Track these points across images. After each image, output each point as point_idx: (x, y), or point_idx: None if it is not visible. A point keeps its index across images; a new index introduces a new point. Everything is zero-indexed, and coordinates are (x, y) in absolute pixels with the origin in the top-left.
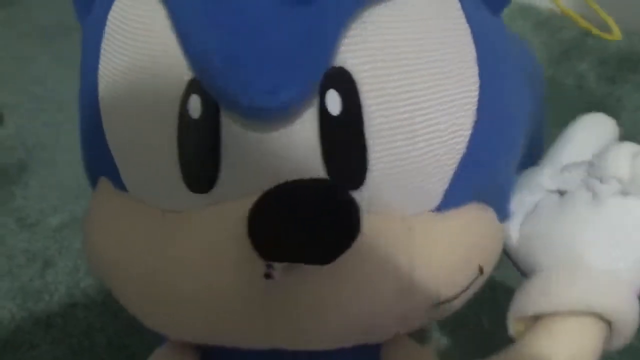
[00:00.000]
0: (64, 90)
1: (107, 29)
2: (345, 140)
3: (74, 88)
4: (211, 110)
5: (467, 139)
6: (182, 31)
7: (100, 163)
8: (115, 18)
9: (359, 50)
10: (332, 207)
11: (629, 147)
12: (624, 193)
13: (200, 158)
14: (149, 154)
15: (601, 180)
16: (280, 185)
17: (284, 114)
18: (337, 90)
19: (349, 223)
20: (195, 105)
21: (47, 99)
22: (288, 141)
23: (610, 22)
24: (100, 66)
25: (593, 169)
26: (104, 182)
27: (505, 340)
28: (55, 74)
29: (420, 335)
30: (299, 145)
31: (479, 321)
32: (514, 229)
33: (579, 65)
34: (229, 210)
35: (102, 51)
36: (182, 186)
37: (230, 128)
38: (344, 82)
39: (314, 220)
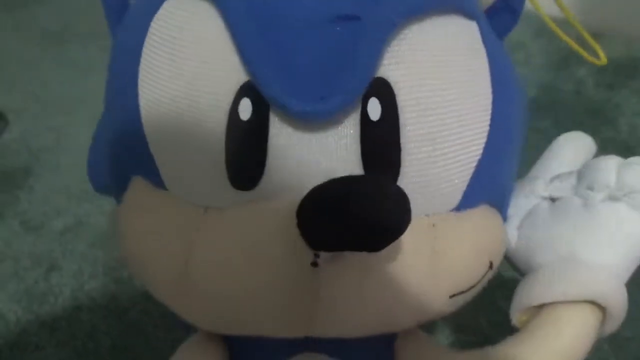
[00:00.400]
0: (69, 94)
1: (150, 36)
2: (382, 144)
3: (79, 92)
4: (261, 113)
5: (482, 147)
6: (241, 41)
7: (136, 164)
8: (161, 26)
9: (397, 63)
10: (384, 196)
11: (614, 159)
12: (612, 199)
13: (247, 157)
14: (195, 154)
15: (591, 188)
16: (330, 180)
17: (331, 118)
18: (378, 98)
19: (401, 212)
20: (245, 108)
21: (52, 103)
22: (332, 143)
23: (597, 47)
24: (141, 71)
25: (583, 178)
26: (139, 181)
27: None
28: (61, 78)
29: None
30: (341, 147)
31: (478, 325)
32: (511, 232)
33: (578, 72)
34: (274, 206)
35: (143, 56)
36: (226, 184)
37: (278, 130)
38: (384, 92)
39: (366, 209)
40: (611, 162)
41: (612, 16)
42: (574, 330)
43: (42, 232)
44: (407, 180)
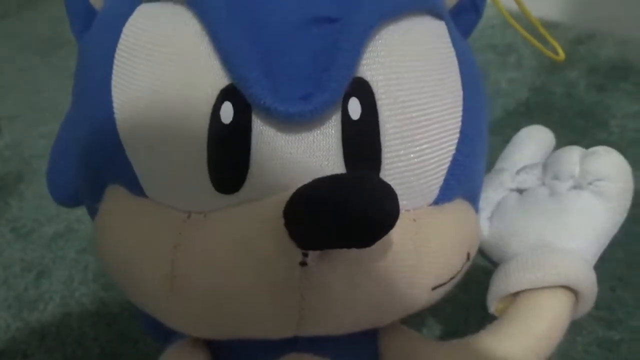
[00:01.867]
0: (61, 101)
1: (123, 41)
2: (363, 142)
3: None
4: (242, 116)
5: (455, 143)
6: (223, 44)
7: (112, 172)
8: (134, 31)
9: (375, 63)
10: (372, 191)
11: (577, 150)
12: (577, 187)
13: (230, 161)
14: (176, 159)
15: (557, 178)
16: (316, 179)
17: (313, 118)
18: (358, 98)
19: (391, 205)
20: (227, 112)
21: (44, 110)
22: (314, 143)
23: (556, 44)
24: (114, 77)
25: (548, 169)
26: (116, 190)
27: None
28: (53, 85)
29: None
30: (323, 146)
31: (467, 326)
32: (483, 224)
33: (569, 74)
34: (259, 208)
35: (116, 62)
36: (209, 188)
37: (261, 132)
38: (363, 91)
39: (356, 204)
40: (575, 153)
41: (605, 18)
42: (550, 314)
43: (33, 239)
44: (388, 177)
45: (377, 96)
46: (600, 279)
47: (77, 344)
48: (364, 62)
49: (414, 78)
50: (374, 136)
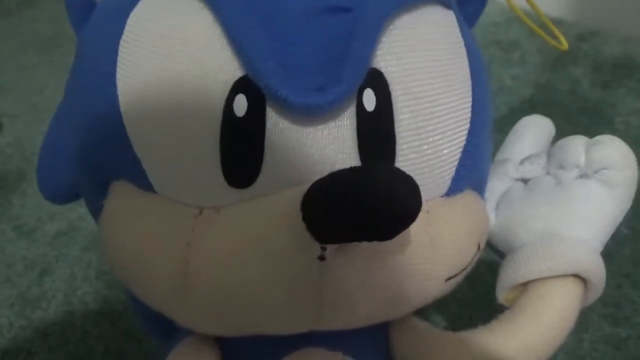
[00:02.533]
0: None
1: (128, 34)
2: (378, 134)
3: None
4: (256, 108)
5: (466, 133)
6: (235, 36)
7: (118, 167)
8: (140, 22)
9: (389, 54)
10: (394, 184)
11: (582, 139)
12: (583, 176)
13: (244, 155)
14: (187, 154)
15: (562, 167)
16: (334, 172)
17: (330, 110)
18: (373, 89)
19: (413, 198)
20: (240, 104)
21: (45, 108)
22: (329, 135)
23: (557, 32)
24: (119, 70)
25: (553, 158)
26: (122, 185)
27: None
28: (54, 83)
29: None
30: (338, 139)
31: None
32: (490, 214)
33: (574, 71)
34: (275, 201)
35: (121, 55)
36: (222, 183)
37: (275, 125)
38: (378, 82)
39: (377, 198)
40: (580, 142)
41: (609, 15)
42: (561, 303)
43: (35, 237)
44: (402, 168)
45: (391, 87)
46: (607, 277)
47: (80, 342)
48: (378, 52)
49: (426, 68)
50: (388, 128)
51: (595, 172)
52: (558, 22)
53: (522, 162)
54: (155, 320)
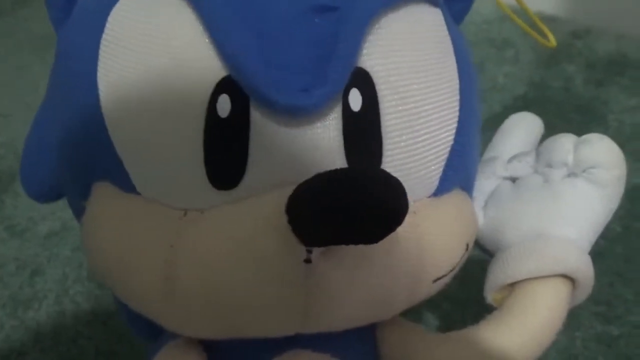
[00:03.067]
0: None
1: (108, 32)
2: (364, 134)
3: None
4: (240, 109)
5: (454, 132)
6: (218, 35)
7: (100, 169)
8: (121, 21)
9: (375, 53)
10: (381, 186)
11: (570, 137)
12: (571, 175)
13: (228, 156)
14: (170, 155)
15: (550, 166)
16: (319, 174)
17: (315, 111)
18: (358, 88)
19: (399, 200)
20: (224, 105)
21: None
22: (315, 136)
23: (546, 30)
24: (100, 70)
25: (541, 157)
26: (104, 187)
27: None
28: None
29: None
30: (324, 139)
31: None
32: (477, 213)
33: (567, 69)
34: (260, 204)
35: (102, 54)
36: (206, 184)
37: (260, 126)
38: (364, 82)
39: (364, 200)
40: (568, 140)
41: (601, 12)
42: (549, 303)
43: (27, 237)
44: (389, 169)
45: (377, 87)
46: (599, 275)
47: (72, 342)
48: (364, 51)
49: (413, 68)
50: (375, 128)
51: (584, 171)
52: (551, 20)
53: (510, 160)
54: (142, 321)
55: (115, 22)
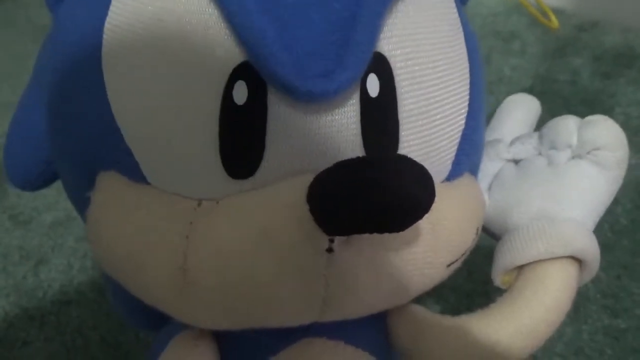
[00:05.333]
0: None
1: (113, 15)
2: (381, 120)
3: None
4: (258, 96)
5: (465, 116)
6: (237, 20)
7: (107, 158)
8: (126, 4)
9: (392, 37)
10: (408, 174)
11: (573, 119)
12: (575, 157)
13: (244, 144)
14: (184, 145)
15: (555, 148)
16: (341, 162)
17: (334, 97)
18: (376, 74)
19: (427, 188)
20: (241, 92)
21: None
22: (333, 122)
23: (548, 11)
24: (105, 57)
25: (545, 139)
26: (111, 177)
27: None
28: None
29: None
30: (342, 125)
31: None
32: (483, 196)
33: (574, 61)
34: (279, 192)
35: (106, 40)
36: (222, 174)
37: (277, 112)
38: (382, 67)
39: (392, 189)
40: (571, 122)
41: (609, 5)
42: (560, 285)
43: (31, 227)
44: (406, 154)
45: (394, 71)
46: (606, 268)
47: (76, 332)
48: (381, 35)
49: (429, 51)
50: (392, 113)
51: (588, 152)
52: (558, 12)
53: (512, 142)
54: (140, 312)
55: (120, 5)
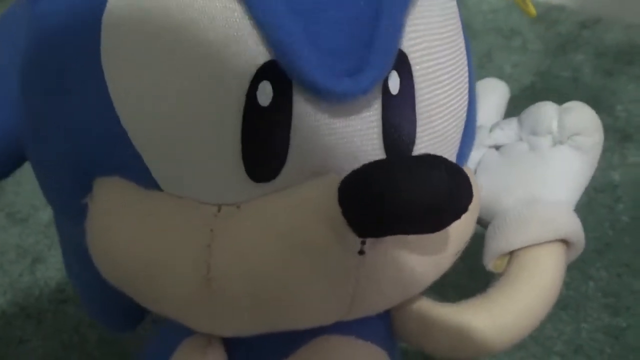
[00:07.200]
0: None
1: (114, 5)
2: (401, 118)
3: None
4: (283, 96)
5: (466, 111)
6: (262, 19)
7: (107, 163)
8: (132, 5)
9: (410, 33)
10: (445, 178)
11: (552, 105)
12: (556, 142)
13: (268, 146)
14: (202, 149)
15: (535, 133)
16: (372, 163)
17: (361, 96)
18: (397, 71)
19: (465, 190)
20: (265, 92)
21: None
22: (357, 121)
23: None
24: (105, 54)
25: (524, 125)
26: (113, 182)
27: None
28: None
29: None
30: (365, 123)
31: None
32: None
33: (575, 58)
34: (304, 194)
35: (106, 31)
36: (243, 177)
37: (301, 113)
38: (402, 64)
39: (428, 193)
40: (551, 108)
41: (612, 2)
42: (551, 264)
43: (28, 224)
44: (419, 149)
45: (412, 68)
46: (607, 266)
47: (74, 330)
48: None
49: (440, 46)
50: (410, 111)
51: (568, 138)
52: (560, 9)
53: (492, 128)
54: (113, 313)
55: (126, 6)
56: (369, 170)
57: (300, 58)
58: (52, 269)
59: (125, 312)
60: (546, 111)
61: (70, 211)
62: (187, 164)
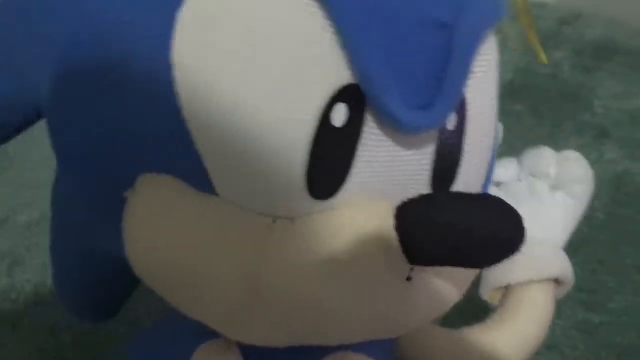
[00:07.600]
0: None
1: (193, 6)
2: (450, 155)
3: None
4: (356, 119)
5: (491, 143)
6: (352, 37)
7: (164, 161)
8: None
9: (472, 73)
10: (503, 217)
11: (550, 151)
12: (554, 188)
13: (333, 166)
14: (268, 161)
15: (534, 175)
16: (431, 195)
17: (430, 129)
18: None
19: (520, 231)
20: (340, 114)
21: None
22: (415, 152)
23: (539, 48)
24: (177, 53)
25: (525, 166)
26: (162, 180)
27: None
28: None
29: None
30: (421, 155)
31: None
32: None
33: (554, 55)
34: (358, 216)
35: (179, 34)
36: (303, 192)
37: (370, 137)
38: (460, 102)
39: (487, 230)
40: (549, 154)
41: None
42: (544, 303)
43: (7, 227)
44: (459, 185)
45: (466, 105)
46: (582, 262)
47: (49, 334)
48: None
49: (489, 89)
50: (459, 149)
51: (566, 186)
52: (541, 6)
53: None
54: (89, 306)
55: (201, 9)
56: (429, 201)
57: (382, 86)
58: (30, 271)
59: (102, 306)
60: (545, 156)
61: (102, 202)
62: (250, 172)
